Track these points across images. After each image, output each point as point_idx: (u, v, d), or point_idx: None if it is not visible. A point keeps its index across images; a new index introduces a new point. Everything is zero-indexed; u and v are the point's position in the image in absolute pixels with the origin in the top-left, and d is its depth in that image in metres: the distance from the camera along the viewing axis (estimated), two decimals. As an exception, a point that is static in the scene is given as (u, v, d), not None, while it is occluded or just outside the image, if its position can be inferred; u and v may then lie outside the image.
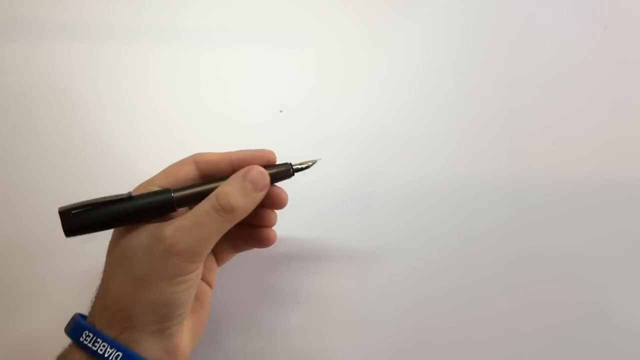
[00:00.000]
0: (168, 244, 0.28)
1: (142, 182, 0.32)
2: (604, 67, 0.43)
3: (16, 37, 0.44)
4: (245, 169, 0.30)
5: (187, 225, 0.28)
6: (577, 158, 0.41)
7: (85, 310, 0.31)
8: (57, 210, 0.28)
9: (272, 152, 0.32)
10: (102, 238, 0.31)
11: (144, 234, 0.29)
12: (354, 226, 0.40)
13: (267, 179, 0.31)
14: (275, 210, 0.34)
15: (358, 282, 0.40)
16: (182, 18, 0.45)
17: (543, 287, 0.39)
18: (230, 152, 0.32)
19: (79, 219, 0.29)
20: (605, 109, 0.42)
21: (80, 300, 0.40)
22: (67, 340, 0.30)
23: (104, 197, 0.29)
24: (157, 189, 0.30)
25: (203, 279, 0.34)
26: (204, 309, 0.34)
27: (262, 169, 0.31)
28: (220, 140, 0.42)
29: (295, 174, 0.32)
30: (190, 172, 0.31)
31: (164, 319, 0.28)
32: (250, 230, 0.34)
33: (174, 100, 0.43)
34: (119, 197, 0.29)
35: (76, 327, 0.29)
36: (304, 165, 0.33)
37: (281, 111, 0.43)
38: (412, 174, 0.41)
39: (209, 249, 0.29)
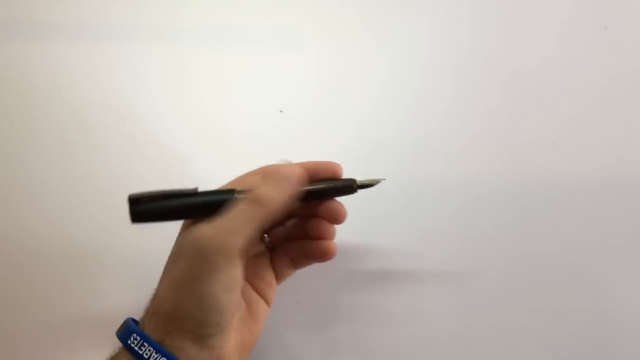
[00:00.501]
0: (201, 241, 0.27)
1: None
2: (604, 67, 0.43)
3: (16, 37, 0.44)
4: (278, 165, 0.31)
5: (218, 220, 0.28)
6: (578, 159, 0.41)
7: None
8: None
9: (338, 165, 0.32)
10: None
11: (190, 236, 0.28)
12: (353, 226, 0.40)
13: (298, 171, 0.30)
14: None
15: (357, 283, 0.40)
16: (181, 18, 0.45)
17: (543, 288, 0.39)
18: (297, 163, 0.32)
19: (145, 208, 0.29)
20: (606, 109, 0.42)
21: (80, 299, 0.40)
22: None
23: (172, 190, 0.29)
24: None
25: (260, 294, 0.33)
26: (256, 324, 0.33)
27: (291, 165, 0.31)
28: (220, 140, 0.42)
29: (359, 190, 0.32)
30: (255, 182, 0.30)
31: (202, 325, 0.28)
32: (309, 244, 0.34)
33: (174, 100, 0.43)
34: (185, 191, 0.29)
35: (126, 331, 0.29)
36: (367, 183, 0.33)
37: (281, 111, 0.43)
38: (412, 174, 0.41)
39: (239, 244, 0.28)
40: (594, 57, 0.43)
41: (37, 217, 0.41)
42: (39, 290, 0.40)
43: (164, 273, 0.30)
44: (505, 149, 0.42)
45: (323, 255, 0.34)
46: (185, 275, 0.28)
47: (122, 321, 0.30)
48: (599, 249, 0.40)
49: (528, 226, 0.40)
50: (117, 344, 0.29)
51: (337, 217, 0.33)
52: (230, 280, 0.28)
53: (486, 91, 0.43)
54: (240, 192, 0.30)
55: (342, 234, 0.40)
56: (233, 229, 0.28)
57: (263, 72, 0.44)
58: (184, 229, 0.30)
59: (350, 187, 0.32)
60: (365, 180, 0.32)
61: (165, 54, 0.44)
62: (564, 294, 0.39)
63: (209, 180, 0.42)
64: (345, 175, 0.41)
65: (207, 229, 0.28)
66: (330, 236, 0.34)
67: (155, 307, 0.29)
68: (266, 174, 0.30)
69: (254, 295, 0.33)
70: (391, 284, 0.40)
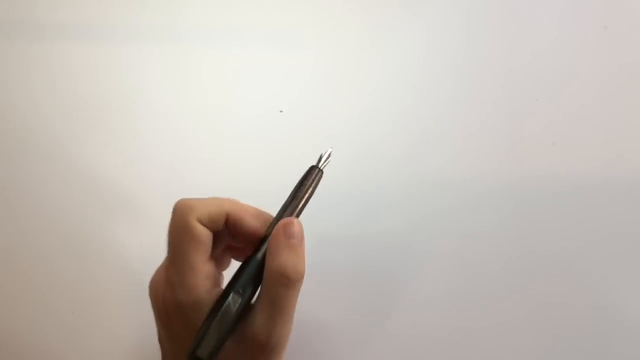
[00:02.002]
0: (270, 345, 0.26)
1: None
2: (603, 67, 0.43)
3: (17, 38, 0.44)
4: (285, 231, 0.27)
5: (274, 315, 0.26)
6: (577, 158, 0.41)
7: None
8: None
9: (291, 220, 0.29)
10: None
11: (231, 345, 0.26)
12: (353, 226, 0.40)
13: (302, 227, 0.28)
14: None
15: (357, 282, 0.40)
16: (182, 19, 0.45)
17: (542, 287, 0.39)
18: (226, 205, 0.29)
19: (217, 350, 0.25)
20: (605, 109, 0.42)
21: (79, 299, 0.40)
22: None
23: (229, 318, 0.25)
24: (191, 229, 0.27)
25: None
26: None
27: (295, 219, 0.28)
28: (220, 140, 0.42)
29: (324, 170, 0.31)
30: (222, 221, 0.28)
31: None
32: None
33: (175, 100, 0.43)
34: (238, 310, 0.26)
35: None
36: (325, 162, 0.31)
37: (281, 111, 0.43)
38: (411, 175, 0.41)
39: None
40: (594, 57, 0.43)
41: (37, 217, 0.41)
42: (39, 290, 0.40)
43: None
44: (505, 149, 0.42)
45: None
46: None
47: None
48: (598, 248, 0.40)
49: (527, 225, 0.40)
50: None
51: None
52: None
53: (486, 91, 0.43)
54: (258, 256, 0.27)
55: (342, 234, 0.40)
56: (291, 320, 0.27)
57: (263, 73, 0.44)
58: None
59: (319, 173, 0.31)
60: (323, 162, 0.31)
61: (166, 55, 0.44)
62: (563, 293, 0.39)
63: (209, 180, 0.42)
64: (345, 175, 0.41)
65: (267, 330, 0.26)
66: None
67: None
68: (281, 246, 0.27)
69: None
70: (390, 283, 0.40)
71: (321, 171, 0.31)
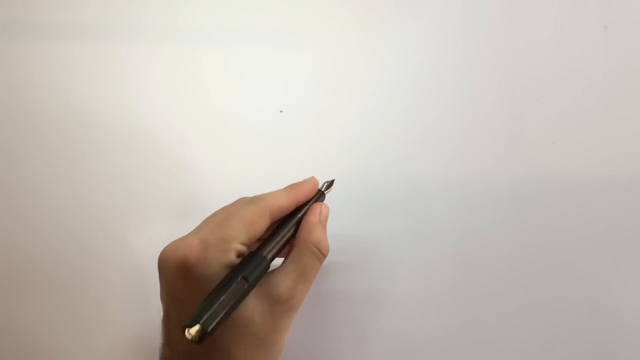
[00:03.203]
0: (290, 303, 0.29)
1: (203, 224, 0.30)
2: (603, 67, 0.43)
3: (17, 38, 0.44)
4: (319, 213, 0.32)
5: (299, 280, 0.29)
6: (577, 158, 0.41)
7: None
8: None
9: (315, 178, 0.34)
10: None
11: (253, 301, 0.28)
12: (353, 226, 0.40)
13: (328, 209, 0.33)
14: None
15: (357, 282, 0.40)
16: (183, 19, 0.45)
17: (542, 287, 0.40)
18: (293, 195, 0.32)
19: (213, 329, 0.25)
20: (605, 109, 0.42)
21: (79, 300, 0.40)
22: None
23: (230, 297, 0.26)
24: (233, 254, 0.28)
25: None
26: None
27: (325, 205, 0.33)
28: (220, 140, 0.42)
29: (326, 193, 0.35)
30: (267, 223, 0.30)
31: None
32: None
33: (175, 100, 0.43)
34: (242, 291, 0.26)
35: None
36: (329, 190, 0.36)
37: (281, 111, 0.43)
38: (411, 175, 0.41)
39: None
40: (594, 57, 0.43)
41: (37, 216, 0.41)
42: (39, 289, 0.40)
43: (233, 345, 0.28)
44: (505, 149, 0.42)
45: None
46: (272, 336, 0.29)
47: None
48: (598, 248, 0.40)
49: (527, 225, 0.40)
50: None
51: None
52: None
53: (486, 91, 0.43)
54: (265, 254, 0.29)
55: (341, 234, 0.40)
56: (311, 284, 0.31)
57: (264, 73, 0.44)
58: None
59: (322, 196, 0.34)
60: (326, 189, 0.35)
61: (167, 55, 0.44)
62: (563, 292, 0.39)
63: (209, 179, 0.42)
64: (344, 174, 0.41)
65: (291, 291, 0.29)
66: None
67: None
68: (315, 225, 0.32)
69: None
70: (390, 282, 0.40)
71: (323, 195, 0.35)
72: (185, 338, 0.23)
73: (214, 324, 0.24)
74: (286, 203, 0.31)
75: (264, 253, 0.29)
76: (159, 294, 0.30)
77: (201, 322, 0.24)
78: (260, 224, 0.29)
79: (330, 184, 0.35)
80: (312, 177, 0.33)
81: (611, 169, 0.41)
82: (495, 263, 0.40)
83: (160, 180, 0.42)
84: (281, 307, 0.28)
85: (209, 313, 0.24)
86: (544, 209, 0.41)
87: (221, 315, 0.24)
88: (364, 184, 0.41)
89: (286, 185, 0.33)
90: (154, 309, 0.31)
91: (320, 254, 0.30)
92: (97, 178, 0.42)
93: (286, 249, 0.32)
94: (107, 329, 0.39)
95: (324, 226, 0.32)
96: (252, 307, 0.28)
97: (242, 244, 0.28)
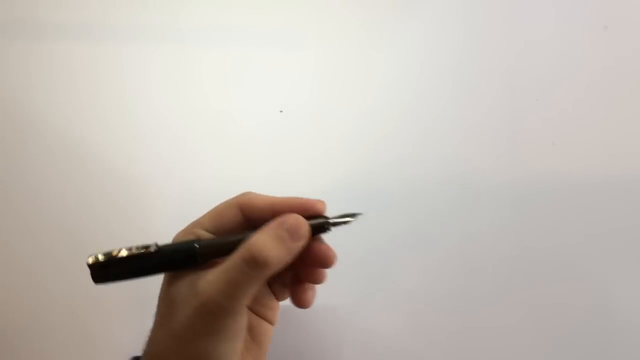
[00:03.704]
0: (200, 300, 0.26)
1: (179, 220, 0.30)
2: (603, 67, 0.43)
3: (17, 38, 0.44)
4: (282, 217, 0.28)
5: (217, 280, 0.27)
6: (577, 158, 0.41)
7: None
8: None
9: (322, 202, 0.29)
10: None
11: (184, 285, 0.27)
12: (353, 226, 0.40)
13: (306, 227, 0.28)
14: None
15: (357, 282, 0.40)
16: (183, 19, 0.45)
17: (542, 286, 0.39)
18: (275, 199, 0.29)
19: (106, 271, 0.28)
20: (605, 109, 0.42)
21: (79, 299, 0.40)
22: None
23: (131, 250, 0.28)
24: (192, 238, 0.29)
25: (263, 317, 0.32)
26: (261, 349, 0.32)
27: (300, 217, 0.28)
28: (220, 140, 0.42)
29: (333, 228, 0.29)
30: (234, 218, 0.29)
31: None
32: (303, 269, 0.32)
33: (175, 99, 0.43)
34: (145, 252, 0.28)
35: None
36: (342, 220, 0.30)
37: (281, 111, 0.43)
38: (411, 174, 0.41)
39: (244, 303, 0.27)
40: (594, 57, 0.43)
41: (37, 216, 0.41)
42: (39, 289, 0.40)
43: (159, 318, 0.28)
44: (505, 149, 0.42)
45: (300, 303, 0.32)
46: (188, 333, 0.27)
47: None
48: (598, 247, 0.40)
49: (527, 224, 0.40)
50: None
51: (325, 263, 0.30)
52: (236, 333, 0.27)
53: (486, 91, 0.43)
54: (200, 242, 0.28)
55: (340, 233, 0.40)
56: (234, 293, 0.26)
57: (264, 73, 0.44)
58: (171, 276, 0.29)
59: (322, 226, 0.29)
60: (339, 217, 0.30)
61: (167, 55, 0.44)
62: (563, 291, 0.39)
63: (209, 179, 0.42)
64: (344, 174, 0.41)
65: (206, 287, 0.26)
66: (323, 279, 0.31)
67: (154, 356, 0.28)
68: (267, 227, 0.27)
69: (254, 318, 0.32)
70: (390, 282, 0.40)
71: (328, 228, 0.29)
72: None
73: (101, 258, 0.28)
74: (260, 202, 0.29)
75: (197, 242, 0.28)
76: (157, 294, 0.30)
77: (98, 255, 0.28)
78: (227, 215, 0.29)
79: (347, 220, 0.30)
80: (312, 200, 0.29)
81: (611, 168, 0.41)
82: (495, 263, 0.40)
83: (161, 180, 0.42)
84: (194, 299, 0.26)
85: (111, 254, 0.28)
86: (544, 209, 0.41)
87: (115, 258, 0.28)
88: (364, 184, 0.41)
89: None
90: (154, 309, 0.31)
91: (248, 254, 0.26)
92: (96, 178, 0.42)
93: None
94: (107, 329, 0.39)
95: (279, 236, 0.27)
96: (178, 291, 0.28)
97: (206, 230, 0.29)
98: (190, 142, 0.43)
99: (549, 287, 0.39)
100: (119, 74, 0.44)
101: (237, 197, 0.30)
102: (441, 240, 0.40)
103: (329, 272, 0.41)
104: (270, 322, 0.32)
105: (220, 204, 0.30)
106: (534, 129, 0.42)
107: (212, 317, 0.26)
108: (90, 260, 0.28)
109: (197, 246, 0.28)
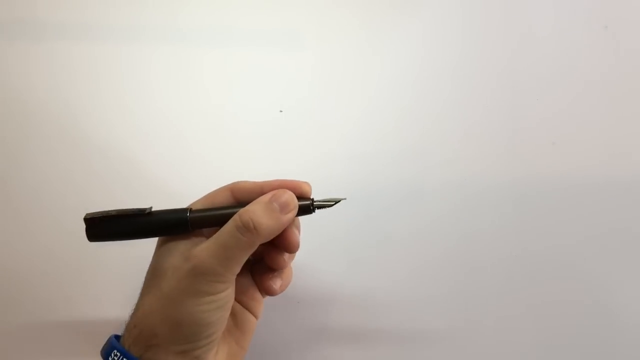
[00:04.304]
0: (193, 263, 0.28)
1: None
2: (604, 67, 0.43)
3: (17, 38, 0.44)
4: (275, 191, 0.30)
5: (212, 245, 0.28)
6: (577, 158, 0.41)
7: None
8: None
9: (307, 184, 0.31)
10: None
11: (176, 254, 0.29)
12: (353, 226, 0.40)
13: (295, 203, 0.30)
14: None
15: (358, 282, 0.40)
16: (183, 19, 0.45)
17: (543, 286, 0.39)
18: (264, 182, 0.31)
19: (101, 228, 0.30)
20: (605, 108, 0.42)
21: (79, 299, 0.40)
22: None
23: (126, 210, 0.30)
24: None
25: (246, 307, 0.33)
26: (245, 336, 0.33)
27: (291, 193, 0.30)
28: (221, 140, 0.42)
29: (317, 210, 0.31)
30: (226, 199, 0.31)
31: (189, 339, 0.28)
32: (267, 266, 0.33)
33: (175, 100, 0.43)
34: (139, 212, 0.30)
35: (108, 348, 0.29)
36: (325, 203, 0.31)
37: (281, 111, 0.43)
38: (411, 174, 0.41)
39: (236, 269, 0.29)
40: (594, 57, 0.43)
41: (38, 215, 0.41)
42: (39, 289, 0.40)
43: (147, 287, 0.30)
44: (505, 149, 0.42)
45: (268, 290, 0.33)
46: (177, 293, 0.28)
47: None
48: (599, 247, 0.40)
49: (528, 224, 0.40)
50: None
51: (290, 247, 0.31)
52: (224, 301, 0.29)
53: (486, 91, 0.43)
54: (192, 212, 0.30)
55: (340, 234, 0.40)
56: (228, 257, 0.28)
57: (263, 73, 0.44)
58: (162, 244, 0.30)
59: (308, 207, 0.31)
60: (324, 200, 0.31)
61: (167, 55, 0.44)
62: (564, 291, 0.39)
63: (209, 179, 0.42)
64: (344, 174, 0.41)
65: (200, 252, 0.28)
66: (285, 265, 0.33)
67: (137, 320, 0.29)
68: (259, 199, 0.29)
69: (238, 307, 0.33)
70: (391, 282, 0.40)
71: (312, 210, 0.31)
72: None
73: (97, 214, 0.30)
74: (249, 185, 0.31)
75: (189, 210, 0.30)
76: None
77: (92, 213, 0.29)
78: (219, 198, 0.31)
79: (329, 203, 0.32)
80: (299, 181, 0.31)
81: (612, 168, 0.41)
82: (495, 263, 0.40)
83: (160, 180, 0.42)
84: (186, 264, 0.28)
85: (107, 212, 0.30)
86: (545, 209, 0.41)
87: (105, 216, 0.30)
88: (364, 184, 0.41)
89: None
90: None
91: (240, 220, 0.28)
92: (96, 178, 0.42)
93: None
94: (107, 329, 0.39)
95: (270, 207, 0.29)
96: (169, 261, 0.29)
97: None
98: (190, 142, 0.43)
99: (549, 287, 0.39)
100: (119, 74, 0.44)
101: (228, 184, 0.32)
102: (441, 240, 0.40)
103: (329, 272, 0.41)
104: (254, 315, 0.34)
105: (213, 190, 0.32)
106: (534, 128, 0.42)
107: (203, 278, 0.28)
108: (87, 216, 0.30)
109: (189, 214, 0.30)
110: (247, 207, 0.29)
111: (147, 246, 0.31)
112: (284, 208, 0.29)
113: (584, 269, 0.40)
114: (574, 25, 0.44)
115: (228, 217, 0.29)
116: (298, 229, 0.32)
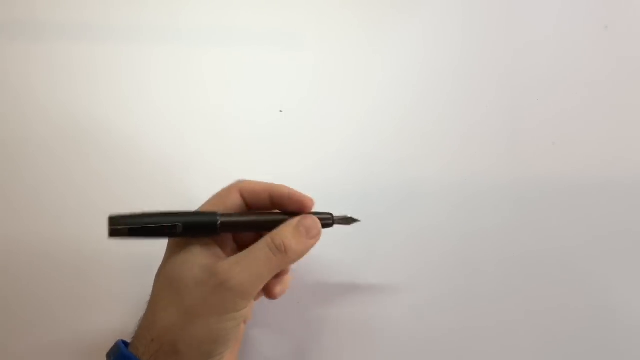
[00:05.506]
0: (222, 278, 0.28)
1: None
2: (604, 67, 0.43)
3: (17, 37, 0.44)
4: (300, 217, 0.31)
5: (242, 261, 0.29)
6: (577, 158, 0.41)
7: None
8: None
9: (311, 200, 0.32)
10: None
11: (197, 267, 0.29)
12: (353, 226, 0.40)
13: (319, 227, 0.31)
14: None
15: (358, 282, 0.40)
16: (182, 18, 0.45)
17: (543, 287, 0.39)
18: (269, 186, 0.32)
19: (125, 231, 0.29)
20: (606, 109, 0.42)
21: (79, 299, 0.40)
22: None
23: (155, 221, 0.29)
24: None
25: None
26: (237, 344, 0.34)
27: (316, 219, 0.31)
28: (220, 140, 0.42)
29: (334, 225, 0.33)
30: (236, 201, 0.32)
31: (205, 356, 0.28)
32: None
33: (175, 100, 0.43)
34: (169, 230, 0.29)
35: (118, 355, 0.29)
36: (344, 219, 0.34)
37: (281, 111, 0.43)
38: (411, 175, 0.41)
39: (260, 287, 0.29)
40: (594, 57, 0.43)
41: (38, 216, 0.41)
42: (39, 289, 0.40)
43: (163, 298, 0.29)
44: (505, 149, 0.42)
45: (267, 293, 0.34)
46: (200, 309, 0.28)
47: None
48: (599, 248, 0.40)
49: (528, 225, 0.40)
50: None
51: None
52: (243, 317, 0.29)
53: (486, 91, 0.43)
54: (222, 215, 0.30)
55: (342, 235, 0.40)
56: (258, 274, 0.29)
57: (263, 73, 0.44)
58: (175, 250, 0.30)
59: (329, 219, 0.33)
60: (342, 218, 0.34)
61: (166, 54, 0.44)
62: (564, 292, 0.39)
63: (209, 180, 0.42)
64: (345, 175, 0.41)
65: (230, 267, 0.28)
66: (284, 272, 0.34)
67: (156, 335, 0.28)
68: (288, 223, 0.31)
69: None
70: (391, 283, 0.40)
71: (332, 224, 0.33)
72: None
73: (121, 226, 0.29)
74: (258, 187, 0.32)
75: (219, 214, 0.30)
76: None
77: (120, 217, 0.29)
78: (230, 198, 0.32)
79: (346, 220, 0.35)
80: (304, 195, 0.32)
81: (612, 169, 0.41)
82: (496, 263, 0.40)
83: (160, 181, 0.42)
84: (213, 279, 0.28)
85: (130, 217, 0.29)
86: (545, 210, 0.41)
87: (133, 223, 0.29)
88: (364, 184, 0.41)
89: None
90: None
91: (272, 242, 0.29)
92: (96, 178, 0.42)
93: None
94: (108, 330, 0.39)
95: (298, 231, 0.30)
96: (190, 274, 0.29)
97: None
98: (189, 142, 0.42)
99: (549, 287, 0.39)
100: (119, 74, 0.44)
101: (234, 183, 0.32)
102: (441, 240, 0.40)
103: (329, 272, 0.41)
104: (245, 321, 0.35)
105: (221, 190, 0.32)
106: (534, 129, 0.42)
107: (232, 296, 0.28)
108: (112, 221, 0.29)
109: (219, 219, 0.30)
110: (278, 231, 0.30)
111: (150, 247, 0.31)
112: (309, 233, 0.31)
113: (584, 269, 0.40)
114: (574, 26, 0.44)
115: (256, 223, 0.31)
116: None
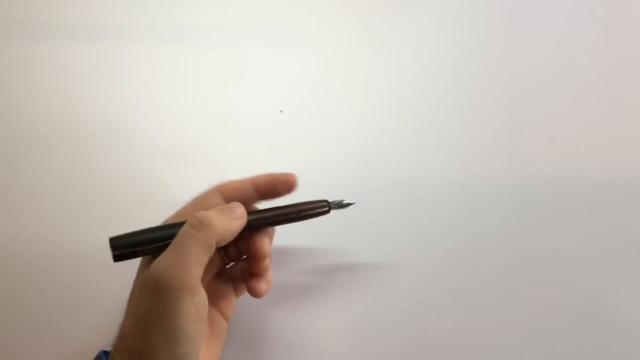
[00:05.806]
0: (153, 278, 0.27)
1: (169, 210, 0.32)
2: (603, 67, 0.43)
3: (17, 37, 0.44)
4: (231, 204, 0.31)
5: (169, 252, 0.28)
6: (577, 158, 0.41)
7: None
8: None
9: (293, 175, 0.32)
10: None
11: (145, 271, 0.28)
12: (353, 227, 0.40)
13: (244, 210, 0.31)
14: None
15: (358, 283, 0.40)
16: (183, 18, 0.45)
17: (543, 287, 0.39)
18: (252, 177, 0.32)
19: (126, 255, 0.30)
20: (605, 109, 0.42)
21: (79, 299, 0.40)
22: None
23: (152, 239, 0.30)
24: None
25: (221, 312, 0.33)
26: (219, 343, 0.33)
27: (241, 205, 0.31)
28: (220, 140, 0.42)
29: (332, 211, 0.34)
30: (217, 202, 0.31)
31: (175, 357, 0.27)
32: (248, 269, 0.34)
33: (175, 100, 0.43)
34: (164, 246, 0.29)
35: None
36: (339, 204, 0.35)
37: (281, 111, 0.43)
38: (411, 175, 0.41)
39: (197, 271, 0.28)
40: (594, 57, 0.43)
41: (38, 216, 0.41)
42: (39, 289, 0.40)
43: (127, 311, 0.29)
44: (505, 149, 0.42)
45: (250, 292, 0.33)
46: (151, 315, 0.27)
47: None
48: (599, 248, 0.40)
49: (528, 225, 0.40)
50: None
51: (260, 255, 0.33)
52: (196, 310, 0.28)
53: (486, 91, 0.43)
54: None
55: (342, 235, 0.40)
56: (186, 259, 0.27)
57: (263, 73, 0.44)
58: (141, 266, 0.31)
59: (324, 207, 0.34)
60: (338, 203, 0.35)
61: (167, 55, 0.44)
62: (564, 292, 0.39)
63: (208, 180, 0.42)
64: (345, 175, 0.41)
65: (162, 265, 0.27)
66: (264, 271, 0.33)
67: (125, 346, 0.28)
68: (220, 207, 0.30)
69: (217, 315, 0.33)
70: (391, 283, 0.40)
71: (328, 211, 0.34)
72: None
73: (122, 251, 0.30)
74: (238, 182, 0.32)
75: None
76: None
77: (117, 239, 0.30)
78: (209, 201, 0.32)
79: (340, 204, 0.35)
80: (285, 173, 0.32)
81: (612, 169, 0.41)
82: (496, 264, 0.40)
83: (160, 181, 0.42)
84: (149, 283, 0.27)
85: (130, 244, 0.30)
86: (545, 210, 0.41)
87: (133, 251, 0.30)
88: (364, 184, 0.41)
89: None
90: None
91: (196, 221, 0.28)
92: (96, 178, 0.42)
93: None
94: (108, 330, 0.39)
95: (222, 210, 0.30)
96: (137, 280, 0.30)
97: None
98: (189, 143, 0.43)
99: (549, 287, 0.39)
100: (119, 74, 0.44)
101: (213, 186, 0.32)
102: (441, 240, 0.40)
103: (329, 273, 0.41)
104: (226, 319, 0.34)
105: (200, 194, 0.32)
106: (534, 129, 0.42)
107: (170, 292, 0.26)
108: (113, 248, 0.30)
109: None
110: (199, 211, 0.29)
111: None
112: (233, 210, 0.30)
113: (584, 269, 0.40)
114: (573, 26, 0.44)
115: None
116: (270, 237, 0.33)
